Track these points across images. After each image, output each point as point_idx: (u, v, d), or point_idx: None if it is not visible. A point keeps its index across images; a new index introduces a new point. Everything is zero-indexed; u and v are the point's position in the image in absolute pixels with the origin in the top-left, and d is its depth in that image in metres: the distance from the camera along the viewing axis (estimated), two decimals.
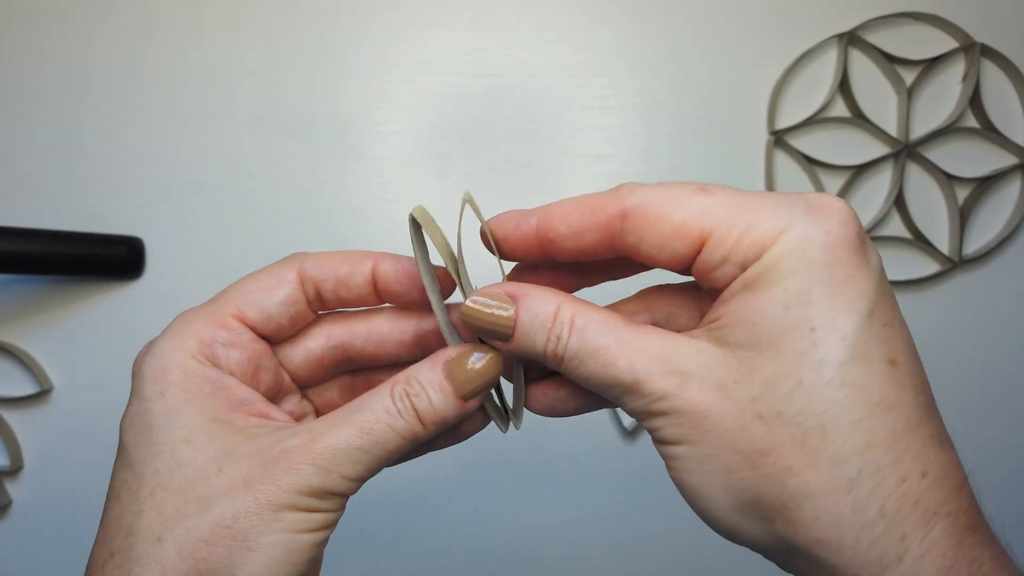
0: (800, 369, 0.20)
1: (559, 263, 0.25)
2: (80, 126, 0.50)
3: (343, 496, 0.23)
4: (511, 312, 0.23)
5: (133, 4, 0.51)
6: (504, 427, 0.26)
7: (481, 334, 0.24)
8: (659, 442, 0.22)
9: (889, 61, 0.51)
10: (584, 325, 0.22)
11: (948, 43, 0.51)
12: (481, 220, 0.25)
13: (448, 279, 0.26)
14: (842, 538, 0.19)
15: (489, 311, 0.23)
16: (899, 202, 0.51)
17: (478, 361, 0.24)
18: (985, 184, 0.51)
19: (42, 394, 0.49)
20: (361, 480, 0.23)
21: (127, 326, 0.50)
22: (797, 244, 0.20)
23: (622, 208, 0.21)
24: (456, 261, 0.25)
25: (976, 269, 0.52)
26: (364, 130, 0.51)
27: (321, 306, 0.26)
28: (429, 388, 0.24)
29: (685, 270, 0.22)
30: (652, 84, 0.51)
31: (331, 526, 0.23)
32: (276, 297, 0.25)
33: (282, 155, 0.51)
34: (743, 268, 0.20)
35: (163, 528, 0.22)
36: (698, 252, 0.21)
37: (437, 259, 0.33)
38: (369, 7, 0.51)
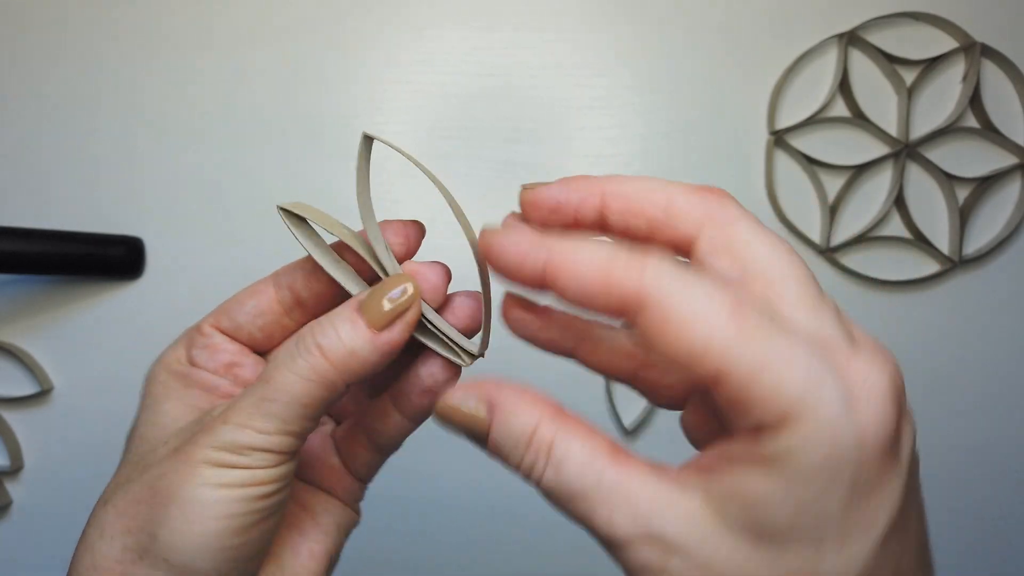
0: (798, 571, 0.18)
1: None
2: (80, 126, 0.50)
3: (265, 451, 0.22)
4: (484, 416, 0.21)
5: (136, 6, 0.51)
6: (463, 359, 0.25)
7: (453, 431, 0.22)
8: None
9: (889, 61, 0.51)
10: (562, 458, 0.19)
11: (948, 43, 0.51)
12: (464, 225, 0.24)
13: (360, 262, 0.25)
14: None
15: (463, 411, 0.21)
16: (899, 202, 0.51)
17: (397, 296, 0.23)
18: (985, 184, 0.51)
19: (42, 394, 0.49)
20: (284, 433, 0.22)
21: (127, 326, 0.50)
22: (825, 438, 0.16)
23: (641, 300, 0.18)
24: (356, 238, 0.24)
25: (976, 269, 0.52)
26: (365, 130, 0.51)
27: (303, 313, 0.27)
28: (337, 321, 0.23)
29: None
30: (652, 84, 0.51)
31: (259, 483, 0.22)
32: (245, 307, 0.27)
33: (282, 155, 0.51)
34: (757, 430, 0.17)
35: (110, 492, 0.24)
36: (708, 383, 0.18)
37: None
38: (369, 7, 0.51)
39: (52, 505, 0.50)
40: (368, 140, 0.25)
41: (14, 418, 0.50)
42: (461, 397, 0.21)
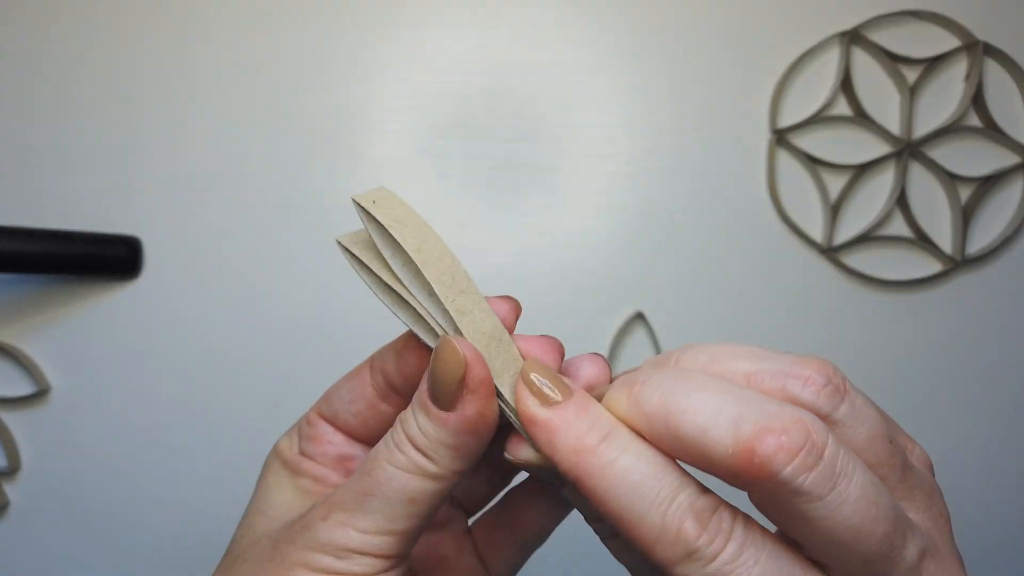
0: None
1: None
2: (77, 125, 0.50)
3: (367, 554, 0.20)
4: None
5: (131, 3, 0.50)
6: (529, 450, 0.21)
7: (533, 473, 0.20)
8: None
9: (891, 60, 0.51)
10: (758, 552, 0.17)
11: (951, 42, 0.51)
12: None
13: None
14: None
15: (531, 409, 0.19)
16: (901, 201, 0.51)
17: (451, 360, 0.20)
18: (988, 183, 0.51)
19: (39, 394, 0.49)
20: (388, 533, 0.20)
21: (125, 326, 0.50)
22: None
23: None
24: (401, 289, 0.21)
25: (979, 269, 0.51)
26: (364, 129, 0.51)
27: (399, 398, 0.24)
28: (415, 407, 0.21)
29: None
30: (652, 82, 0.51)
31: None
32: (342, 393, 0.24)
33: (281, 154, 0.50)
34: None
35: None
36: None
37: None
38: (369, 6, 0.51)
39: (49, 506, 0.50)
40: (350, 244, 0.22)
41: (11, 418, 0.50)
42: (542, 382, 0.20)
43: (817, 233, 0.51)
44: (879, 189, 0.51)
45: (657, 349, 0.50)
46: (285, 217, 0.50)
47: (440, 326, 0.21)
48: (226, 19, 0.51)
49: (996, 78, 0.51)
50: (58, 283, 0.50)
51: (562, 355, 0.22)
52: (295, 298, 0.50)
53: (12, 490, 0.50)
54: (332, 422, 0.25)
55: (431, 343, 0.21)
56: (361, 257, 0.22)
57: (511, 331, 0.21)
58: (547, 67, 0.51)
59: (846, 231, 0.51)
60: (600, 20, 0.51)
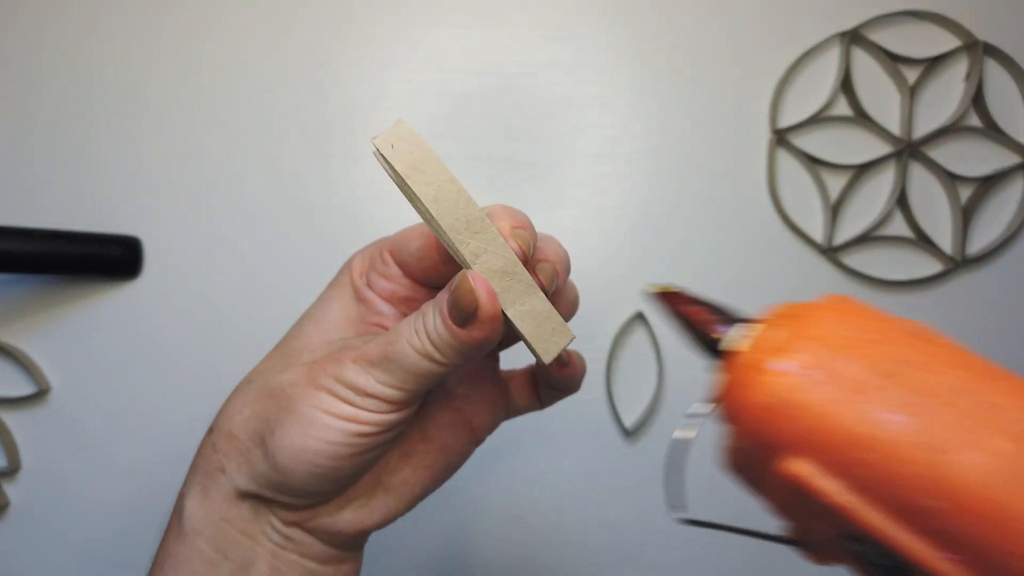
0: None
1: None
2: (77, 125, 0.50)
3: (376, 397, 0.25)
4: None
5: (133, 4, 0.50)
6: (539, 358, 0.26)
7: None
8: None
9: (892, 60, 0.51)
10: None
11: (951, 42, 0.51)
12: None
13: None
14: None
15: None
16: (901, 201, 0.51)
17: (467, 294, 0.24)
18: (988, 183, 0.51)
19: (40, 394, 0.49)
20: (398, 388, 0.25)
21: (125, 326, 0.50)
22: None
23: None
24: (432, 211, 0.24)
25: (979, 269, 0.51)
26: (364, 129, 0.51)
27: (455, 267, 0.28)
28: (433, 310, 0.25)
29: None
30: (653, 83, 0.51)
31: (361, 422, 0.25)
32: (411, 247, 0.28)
33: (281, 154, 0.50)
34: None
35: (256, 374, 0.28)
36: None
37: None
38: (369, 6, 0.51)
39: (50, 506, 0.50)
40: (383, 147, 0.24)
41: (11, 418, 0.50)
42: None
43: (817, 233, 0.51)
44: (879, 189, 0.51)
45: (657, 349, 0.50)
46: (285, 217, 0.50)
47: (460, 257, 0.25)
48: (227, 20, 0.51)
49: (996, 78, 0.51)
50: (58, 283, 0.50)
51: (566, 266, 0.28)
52: (295, 298, 0.50)
53: (12, 490, 0.50)
54: (401, 265, 0.29)
55: (456, 257, 0.25)
56: (395, 167, 0.24)
57: (527, 257, 0.26)
58: (547, 67, 0.51)
59: (846, 231, 0.51)
60: (600, 20, 0.51)
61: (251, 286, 0.50)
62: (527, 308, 0.25)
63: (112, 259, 0.49)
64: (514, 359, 0.33)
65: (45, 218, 0.49)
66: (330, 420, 0.25)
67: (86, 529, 0.50)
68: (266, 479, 0.26)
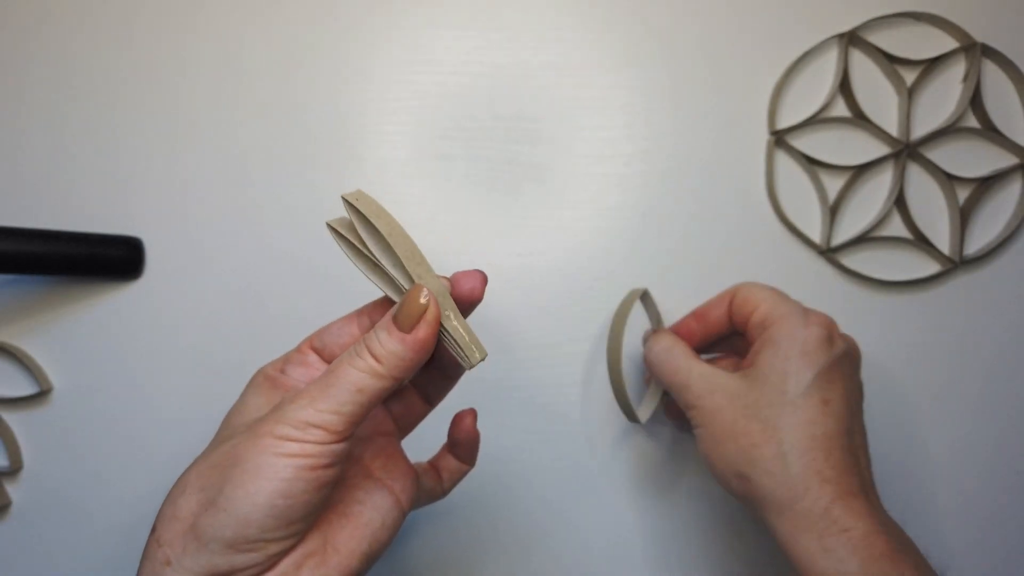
0: (774, 394, 0.37)
1: None
2: (78, 125, 0.50)
3: (320, 427, 0.28)
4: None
5: (132, 3, 0.51)
6: (469, 361, 0.30)
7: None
8: (692, 426, 0.40)
9: (890, 61, 0.51)
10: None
11: (949, 43, 0.51)
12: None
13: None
14: (773, 483, 0.35)
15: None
16: (900, 202, 0.51)
17: (417, 301, 0.29)
18: (986, 184, 0.51)
19: (41, 395, 0.49)
20: (337, 413, 0.28)
21: (127, 327, 0.50)
22: (791, 329, 0.39)
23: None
24: (390, 257, 0.30)
25: (977, 270, 0.52)
26: (365, 130, 0.51)
27: None
28: (379, 329, 0.29)
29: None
30: (652, 84, 0.51)
31: (309, 456, 0.27)
32: (333, 331, 0.34)
33: (282, 155, 0.51)
34: (763, 327, 0.40)
35: (194, 461, 0.30)
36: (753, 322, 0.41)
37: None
38: (369, 6, 0.51)
39: (51, 506, 0.50)
40: (347, 211, 0.31)
41: (13, 419, 0.50)
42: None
43: (815, 234, 0.51)
44: (877, 190, 0.52)
45: None
46: (286, 219, 0.50)
47: (403, 286, 0.30)
48: (227, 20, 0.51)
49: (994, 79, 0.51)
50: (60, 284, 0.50)
51: (483, 281, 0.32)
52: (296, 299, 0.50)
53: (14, 490, 0.50)
54: (320, 352, 0.33)
55: (395, 297, 0.31)
56: (347, 236, 0.31)
57: (479, 296, 0.32)
58: (547, 68, 0.51)
59: (844, 232, 0.52)
60: (600, 21, 0.51)
61: (253, 287, 0.50)
62: (457, 323, 0.31)
63: (114, 260, 0.49)
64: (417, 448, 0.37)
65: (47, 219, 0.50)
66: (278, 460, 0.27)
67: (88, 529, 0.50)
68: (218, 541, 0.27)
